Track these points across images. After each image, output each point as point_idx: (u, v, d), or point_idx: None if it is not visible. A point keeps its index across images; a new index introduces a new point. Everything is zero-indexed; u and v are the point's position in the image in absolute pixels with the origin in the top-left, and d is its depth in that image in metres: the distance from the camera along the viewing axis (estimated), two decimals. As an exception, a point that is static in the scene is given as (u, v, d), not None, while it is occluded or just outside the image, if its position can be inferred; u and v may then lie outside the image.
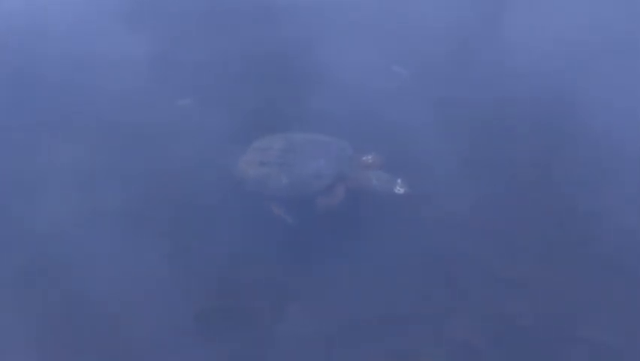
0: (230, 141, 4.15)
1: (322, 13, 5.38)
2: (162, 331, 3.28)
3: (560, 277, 3.46)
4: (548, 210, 3.82)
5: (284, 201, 3.78)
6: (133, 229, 3.74)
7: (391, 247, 3.62)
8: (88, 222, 3.77)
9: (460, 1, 5.55)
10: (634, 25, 5.28)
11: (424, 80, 4.76)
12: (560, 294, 3.39)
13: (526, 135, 4.31)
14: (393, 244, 3.64)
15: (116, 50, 4.98)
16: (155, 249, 3.62)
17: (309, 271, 3.53)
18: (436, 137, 4.20)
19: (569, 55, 4.98)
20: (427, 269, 3.53)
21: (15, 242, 3.69)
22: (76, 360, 3.21)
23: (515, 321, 3.28)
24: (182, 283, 3.47)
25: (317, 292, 3.43)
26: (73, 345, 3.24)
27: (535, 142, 4.26)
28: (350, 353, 3.18)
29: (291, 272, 3.53)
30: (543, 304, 3.35)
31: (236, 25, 5.30)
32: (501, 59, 4.95)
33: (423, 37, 5.13)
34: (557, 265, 3.52)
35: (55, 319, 3.34)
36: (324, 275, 3.50)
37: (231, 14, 5.44)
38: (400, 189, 3.81)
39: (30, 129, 4.37)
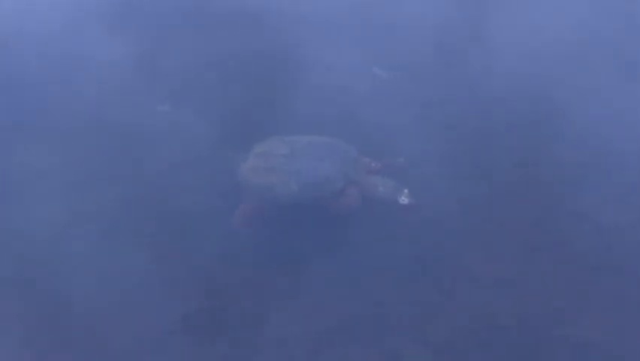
0: (213, 144, 4.15)
1: (304, 16, 5.39)
2: (148, 334, 3.25)
3: (542, 277, 3.46)
4: (531, 210, 3.83)
5: (292, 207, 3.74)
6: (116, 231, 3.71)
7: (376, 249, 3.62)
8: (70, 224, 3.74)
9: (443, 1, 5.56)
10: (616, 23, 5.33)
11: (407, 81, 4.78)
12: (542, 293, 3.39)
13: (510, 135, 4.33)
14: (379, 245, 3.64)
15: (97, 53, 4.96)
16: (139, 252, 3.59)
17: (296, 273, 3.51)
18: (420, 138, 4.21)
19: (552, 55, 5.02)
20: (410, 270, 3.52)
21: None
22: (59, 365, 3.19)
23: (498, 321, 3.27)
24: (167, 286, 3.45)
25: (303, 293, 3.41)
26: (57, 350, 3.20)
27: (518, 142, 4.28)
28: (335, 354, 3.16)
29: (278, 274, 3.51)
30: (526, 304, 3.34)
31: (218, 28, 5.31)
32: (484, 59, 4.98)
33: (406, 38, 5.15)
34: (540, 265, 3.52)
35: (38, 323, 3.30)
36: (310, 277, 3.49)
37: (213, 18, 5.44)
38: (404, 200, 3.78)
39: (10, 131, 4.35)
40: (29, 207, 3.84)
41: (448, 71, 4.87)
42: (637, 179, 3.99)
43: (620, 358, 3.11)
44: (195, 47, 5.10)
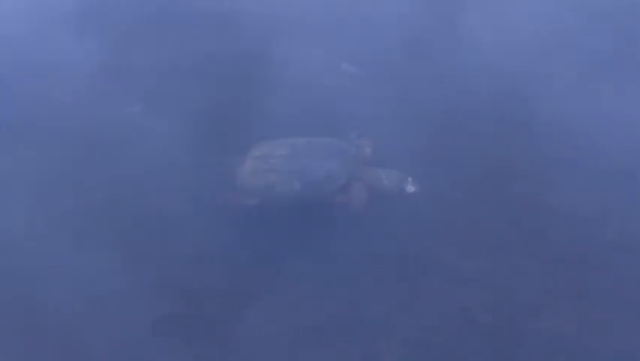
0: (185, 146, 4.13)
1: (273, 15, 5.38)
2: (121, 338, 3.24)
3: (516, 271, 3.49)
4: (504, 205, 3.85)
5: (294, 207, 3.74)
6: (88, 235, 3.68)
7: (351, 247, 3.62)
8: (42, 228, 3.70)
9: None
10: (583, 18, 5.36)
11: (378, 76, 4.78)
12: (517, 288, 3.42)
13: (483, 130, 4.34)
14: (353, 243, 3.64)
15: (66, 55, 4.91)
16: (112, 255, 3.57)
17: (271, 273, 3.50)
18: (391, 133, 4.22)
19: (524, 51, 5.03)
20: (386, 267, 3.53)
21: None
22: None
23: (474, 316, 3.30)
24: (140, 289, 3.43)
25: (278, 294, 3.41)
26: (27, 355, 3.18)
27: (491, 137, 4.30)
28: (311, 354, 3.17)
29: (252, 274, 3.50)
30: (501, 299, 3.37)
31: (189, 29, 5.26)
32: (456, 54, 4.99)
33: (377, 34, 5.15)
34: (514, 260, 3.55)
35: (9, 328, 3.27)
36: (285, 277, 3.49)
37: (184, 18, 5.39)
38: (411, 188, 3.81)
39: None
40: (0, 212, 3.81)
41: (420, 67, 4.87)
42: (609, 173, 4.02)
43: (594, 350, 3.15)
44: (166, 48, 5.06)
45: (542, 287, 3.42)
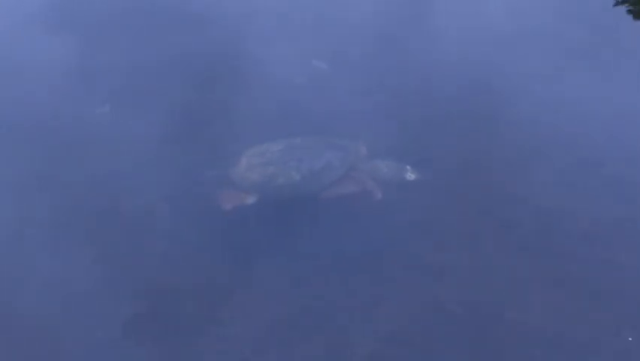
0: (154, 144, 4.12)
1: (243, 12, 5.38)
2: (91, 339, 3.22)
3: (487, 263, 3.51)
4: (474, 197, 3.87)
5: (290, 200, 3.74)
6: (57, 236, 3.66)
7: (321, 242, 3.62)
8: (11, 229, 3.69)
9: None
10: (554, 10, 5.41)
11: (348, 71, 4.80)
12: (488, 279, 3.44)
13: (451, 123, 4.36)
14: (323, 238, 3.64)
15: (33, 55, 4.87)
16: (80, 255, 3.55)
17: (241, 270, 3.50)
18: (361, 127, 4.23)
19: (492, 42, 5.06)
20: (358, 261, 3.54)
21: None
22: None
23: (446, 308, 3.30)
24: (110, 290, 3.41)
25: (248, 290, 3.40)
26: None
27: (459, 129, 4.32)
28: (283, 349, 3.16)
29: (222, 272, 3.50)
30: (472, 290, 3.39)
31: (158, 28, 5.25)
32: (425, 48, 5.01)
33: (345, 30, 5.17)
34: (484, 250, 3.57)
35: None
36: (258, 274, 3.48)
37: (153, 17, 5.38)
38: (411, 175, 3.85)
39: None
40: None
41: (389, 61, 4.90)
42: (576, 163, 4.06)
43: (564, 339, 3.16)
44: (136, 46, 5.04)
45: (513, 278, 3.43)
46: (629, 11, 5.40)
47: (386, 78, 4.72)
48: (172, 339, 3.22)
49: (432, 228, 3.71)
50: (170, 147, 4.14)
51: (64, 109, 4.47)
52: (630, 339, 3.13)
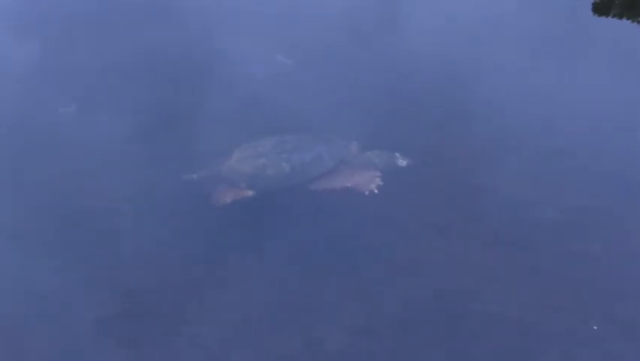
0: (120, 144, 4.09)
1: (208, 9, 5.36)
2: (63, 341, 3.19)
3: (455, 254, 3.53)
4: (442, 188, 3.88)
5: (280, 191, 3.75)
6: (28, 237, 3.63)
7: (291, 238, 3.62)
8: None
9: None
10: (522, 3, 5.44)
11: (314, 65, 4.80)
12: (455, 270, 3.45)
13: (420, 114, 4.39)
14: (293, 234, 3.64)
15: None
16: (50, 257, 3.52)
17: (212, 267, 3.49)
18: (329, 120, 4.23)
19: (460, 35, 5.10)
20: (325, 257, 3.53)
21: None
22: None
23: (415, 300, 3.31)
24: (81, 291, 3.38)
25: (220, 287, 3.39)
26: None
27: (428, 120, 4.35)
28: (254, 345, 3.15)
29: (193, 270, 3.48)
30: (441, 282, 3.40)
31: (123, 26, 5.22)
32: (392, 41, 5.02)
33: (312, 24, 5.17)
34: (451, 242, 3.58)
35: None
36: (225, 272, 3.47)
37: (118, 15, 5.35)
38: (402, 162, 3.90)
39: None
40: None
41: (356, 54, 4.92)
42: (543, 154, 4.09)
43: (533, 328, 3.19)
44: (101, 45, 5.01)
45: (482, 269, 3.45)
46: (594, 4, 5.46)
47: (353, 73, 4.73)
48: (142, 339, 3.20)
49: (402, 221, 3.71)
50: (137, 146, 4.11)
51: (28, 109, 4.42)
52: (595, 328, 3.16)
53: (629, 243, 3.56)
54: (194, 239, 3.63)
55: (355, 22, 5.22)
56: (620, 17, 5.36)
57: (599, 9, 5.41)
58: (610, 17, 5.36)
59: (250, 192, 3.76)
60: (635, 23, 5.30)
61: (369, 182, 3.85)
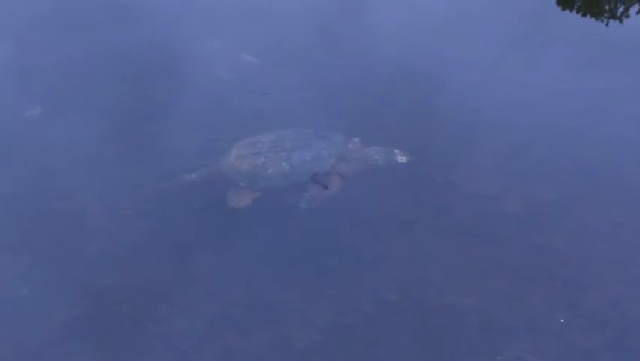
0: (86, 145, 4.08)
1: (173, 7, 5.35)
2: (28, 345, 3.17)
3: (420, 249, 3.55)
4: (408, 183, 3.90)
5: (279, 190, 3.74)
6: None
7: (260, 237, 3.62)
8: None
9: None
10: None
11: (281, 65, 4.80)
12: (422, 265, 3.48)
13: (388, 113, 4.40)
14: (262, 233, 3.64)
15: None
16: (14, 259, 3.51)
17: (179, 267, 3.48)
18: (296, 120, 4.23)
19: (425, 30, 5.12)
20: (295, 254, 3.55)
21: None
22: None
23: (382, 296, 3.33)
24: (47, 293, 3.37)
25: (187, 286, 3.39)
26: None
27: (393, 118, 4.35)
28: (224, 344, 3.16)
29: (159, 269, 3.47)
30: (407, 277, 3.42)
31: (86, 25, 5.19)
32: (359, 39, 5.03)
33: (278, 23, 5.17)
34: (418, 238, 3.61)
35: None
36: (194, 268, 3.47)
37: (80, 14, 5.31)
38: (402, 159, 3.89)
39: None
40: None
41: (323, 51, 4.92)
42: (507, 148, 4.12)
43: (500, 322, 3.22)
44: (61, 47, 4.97)
45: (448, 263, 3.48)
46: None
47: (319, 70, 4.74)
48: (110, 341, 3.19)
49: (366, 218, 3.73)
50: (104, 147, 4.10)
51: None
52: (562, 321, 3.20)
53: (592, 235, 3.61)
54: (164, 239, 3.62)
55: (321, 19, 5.22)
56: (584, 12, 5.42)
57: (564, 2, 5.46)
58: (574, 12, 5.42)
59: (256, 193, 3.75)
60: (598, 18, 5.36)
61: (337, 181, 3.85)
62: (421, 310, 3.29)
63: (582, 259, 3.49)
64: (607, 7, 5.52)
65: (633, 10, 5.41)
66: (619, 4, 5.47)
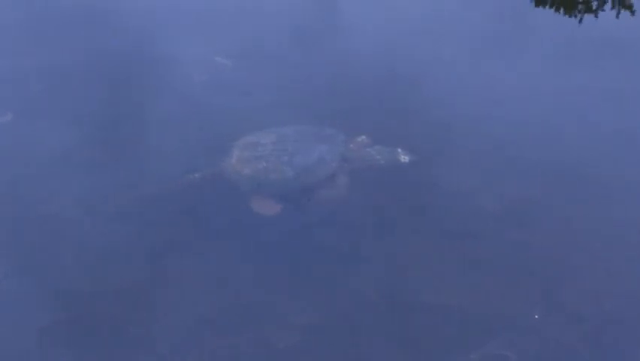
0: (59, 152, 4.05)
1: (145, 10, 5.33)
2: (5, 351, 3.13)
3: (399, 248, 3.55)
4: (383, 183, 3.91)
5: (284, 195, 3.70)
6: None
7: (236, 238, 3.61)
8: None
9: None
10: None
11: (255, 67, 4.80)
12: (402, 264, 3.47)
13: (364, 110, 4.41)
14: (238, 234, 3.63)
15: None
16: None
17: (156, 270, 3.46)
18: (272, 121, 4.22)
19: (402, 32, 5.13)
20: (273, 256, 3.53)
21: None
22: None
23: (363, 297, 3.33)
24: (24, 298, 3.33)
25: (164, 291, 3.36)
26: None
27: (370, 117, 4.36)
28: (203, 348, 3.13)
29: (137, 273, 3.44)
30: (388, 276, 3.42)
31: (56, 30, 5.16)
32: (334, 40, 5.04)
33: (252, 25, 5.16)
34: (397, 236, 3.61)
35: None
36: (170, 272, 3.45)
37: (50, 19, 5.28)
38: (405, 158, 3.88)
39: None
40: None
41: (297, 53, 4.92)
42: (484, 145, 4.14)
43: (480, 319, 3.23)
44: (33, 52, 4.94)
45: (427, 262, 3.48)
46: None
47: (293, 71, 4.75)
48: (89, 345, 3.16)
49: (344, 218, 3.73)
50: (79, 152, 4.07)
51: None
52: (536, 316, 3.21)
53: (569, 231, 3.63)
54: (142, 242, 3.60)
55: (295, 20, 5.23)
56: (558, 7, 5.45)
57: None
58: (547, 7, 5.45)
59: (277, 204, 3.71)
60: (573, 13, 5.39)
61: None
62: (399, 309, 3.28)
63: (559, 256, 3.50)
64: (581, 1, 5.55)
65: (608, 4, 5.45)
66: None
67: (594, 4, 5.47)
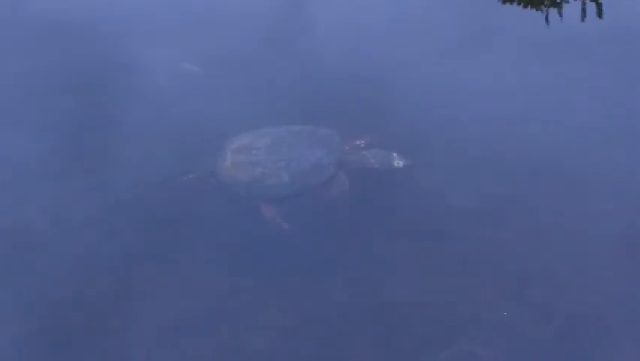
0: (36, 162, 4.05)
1: (113, 19, 5.31)
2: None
3: (370, 248, 3.58)
4: (357, 184, 3.91)
5: (282, 201, 3.69)
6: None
7: (209, 239, 3.63)
8: None
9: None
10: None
11: (225, 72, 4.79)
12: (370, 264, 3.50)
13: (336, 113, 4.40)
14: (212, 235, 3.64)
15: None
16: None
17: (129, 276, 3.47)
18: (245, 125, 4.23)
19: (372, 34, 5.14)
20: (243, 258, 3.54)
21: None
22: None
23: (334, 297, 3.35)
24: (3, 307, 3.33)
25: (139, 295, 3.38)
26: None
27: (342, 118, 4.35)
28: (177, 351, 3.15)
29: (111, 279, 3.45)
30: (359, 276, 3.45)
31: (28, 40, 5.11)
32: (304, 44, 5.04)
33: (220, 30, 5.15)
34: (365, 237, 3.63)
35: None
36: (143, 277, 3.46)
37: (21, 29, 5.23)
38: (399, 163, 3.86)
39: None
40: None
41: (265, 57, 4.91)
42: (456, 143, 4.16)
43: (450, 317, 3.27)
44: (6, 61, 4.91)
45: (395, 261, 3.51)
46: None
47: (262, 76, 4.74)
48: (68, 352, 3.17)
49: (316, 220, 3.75)
50: (47, 161, 4.07)
51: None
52: (505, 314, 3.25)
53: (541, 230, 3.67)
54: (108, 246, 3.60)
55: (262, 24, 5.21)
56: (524, 4, 5.49)
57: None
58: (514, 4, 5.48)
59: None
60: (539, 9, 5.43)
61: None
62: (371, 308, 3.31)
63: (530, 252, 3.55)
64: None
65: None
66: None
67: (559, -1, 5.51)
